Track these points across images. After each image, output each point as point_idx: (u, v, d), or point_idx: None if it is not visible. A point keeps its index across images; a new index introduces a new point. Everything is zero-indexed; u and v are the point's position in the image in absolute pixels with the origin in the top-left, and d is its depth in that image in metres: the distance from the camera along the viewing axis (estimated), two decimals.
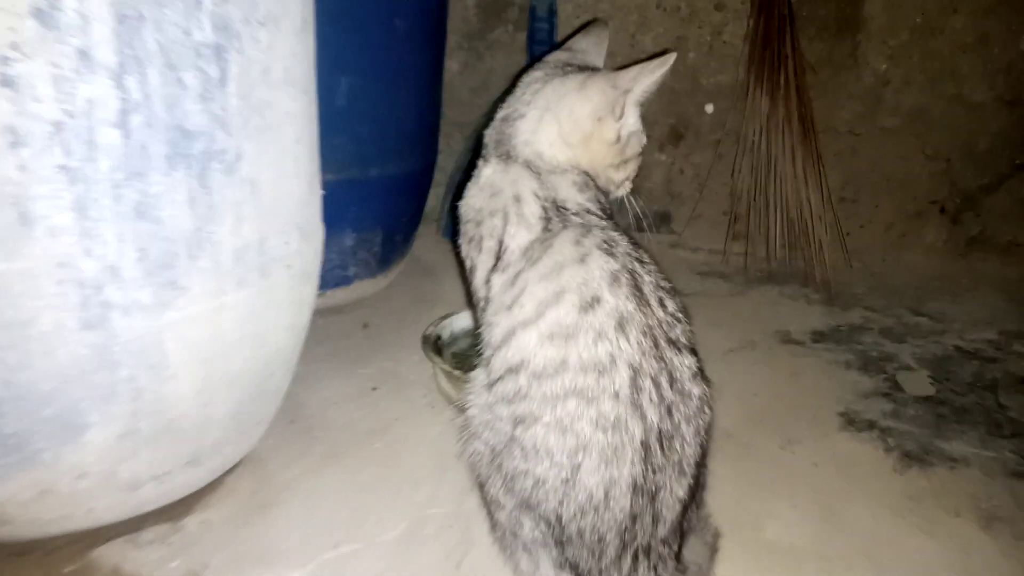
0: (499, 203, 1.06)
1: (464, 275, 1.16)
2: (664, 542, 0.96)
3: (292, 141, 1.05)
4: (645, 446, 0.90)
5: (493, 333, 1.00)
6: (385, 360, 1.56)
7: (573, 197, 1.05)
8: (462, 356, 1.53)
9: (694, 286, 2.04)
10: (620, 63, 2.13)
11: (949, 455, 1.33)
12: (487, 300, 1.05)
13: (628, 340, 0.90)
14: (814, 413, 1.44)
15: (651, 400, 0.90)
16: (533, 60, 2.06)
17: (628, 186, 1.19)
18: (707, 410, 0.98)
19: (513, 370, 0.95)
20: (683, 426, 0.93)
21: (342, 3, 1.46)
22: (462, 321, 1.58)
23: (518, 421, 0.94)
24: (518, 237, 1.02)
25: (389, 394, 1.45)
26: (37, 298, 0.85)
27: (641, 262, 0.97)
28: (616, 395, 0.89)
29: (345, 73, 1.51)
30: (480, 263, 1.07)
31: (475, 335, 1.09)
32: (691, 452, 0.95)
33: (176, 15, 0.84)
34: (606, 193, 1.15)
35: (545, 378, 0.92)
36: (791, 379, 1.56)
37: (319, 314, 1.73)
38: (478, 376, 1.05)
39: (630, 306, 0.92)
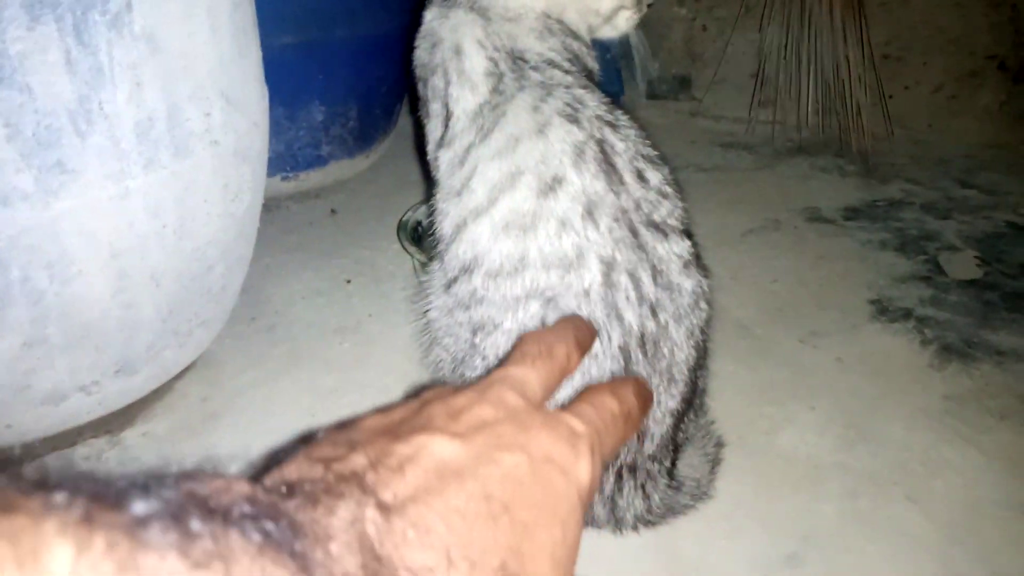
0: (439, 56, 0.87)
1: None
2: (653, 458, 0.82)
3: None
4: (624, 352, 0.74)
5: (443, 224, 0.83)
6: (362, 249, 1.41)
7: (532, 46, 0.85)
8: None
9: (715, 159, 1.83)
10: None
11: (996, 347, 1.16)
12: (437, 182, 0.88)
13: (597, 228, 0.73)
14: (842, 301, 1.27)
15: (628, 299, 0.73)
16: None
17: (630, 17, 0.96)
18: (703, 305, 0.81)
19: (467, 269, 0.79)
20: (672, 327, 0.77)
21: None
22: None
23: (476, 328, 0.79)
24: (462, 101, 0.83)
25: (363, 287, 1.30)
26: None
27: (614, 126, 0.78)
28: (586, 294, 0.73)
29: None
30: (430, 132, 0.89)
31: (429, 222, 0.92)
32: (683, 357, 0.79)
33: None
34: (587, 37, 0.94)
35: (503, 278, 0.75)
36: (817, 263, 1.38)
37: (291, 199, 1.57)
38: (435, 274, 0.89)
39: (599, 185, 0.74)
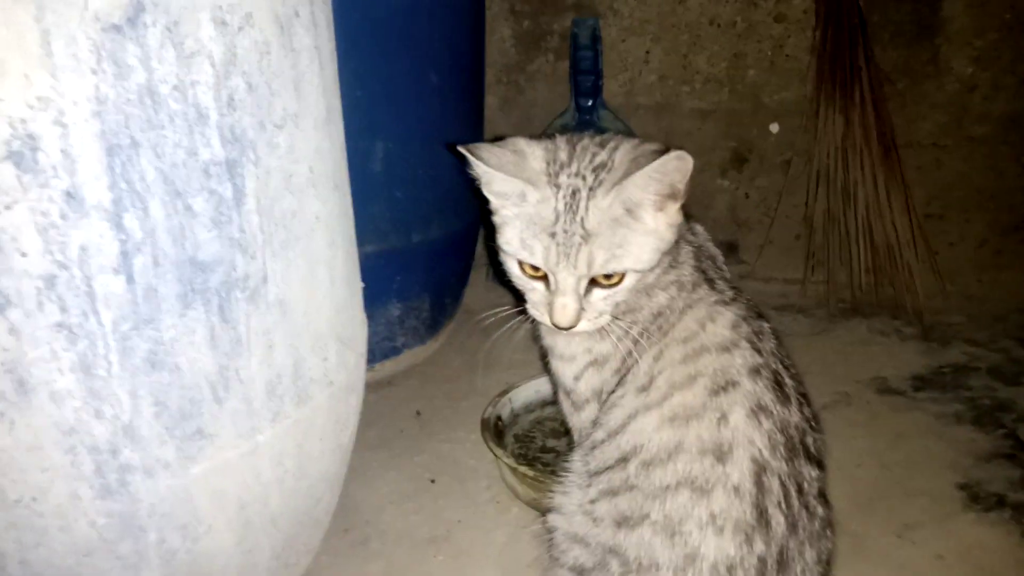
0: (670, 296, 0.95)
1: (544, 353, 1.04)
2: None
3: (325, 246, 0.93)
4: (761, 564, 0.76)
5: (612, 416, 0.87)
6: (442, 443, 1.44)
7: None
8: (525, 439, 1.39)
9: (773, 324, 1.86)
10: (672, 86, 1.98)
11: None
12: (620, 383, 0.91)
13: (760, 430, 0.77)
14: (930, 487, 1.26)
15: (779, 505, 0.76)
16: (578, 91, 1.92)
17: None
18: (830, 534, 0.84)
19: (624, 459, 0.82)
20: (807, 549, 0.80)
21: (372, 64, 1.33)
22: (523, 394, 1.44)
23: (621, 522, 0.81)
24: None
25: (449, 488, 1.32)
26: (45, 470, 0.74)
27: (784, 364, 0.86)
28: (736, 490, 0.76)
29: (379, 137, 1.38)
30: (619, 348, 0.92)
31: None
32: None
33: (177, 134, 0.72)
34: None
35: (656, 466, 0.79)
36: (897, 442, 1.39)
37: (368, 389, 1.61)
38: (574, 467, 0.93)
39: (768, 397, 0.80)
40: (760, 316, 0.90)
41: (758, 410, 0.79)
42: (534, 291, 0.89)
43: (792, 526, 0.78)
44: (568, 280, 0.83)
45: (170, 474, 0.80)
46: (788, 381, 0.84)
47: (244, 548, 0.91)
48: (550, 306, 0.85)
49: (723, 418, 0.78)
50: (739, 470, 0.77)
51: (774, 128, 1.95)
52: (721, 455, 0.77)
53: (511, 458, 1.23)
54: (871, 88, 1.75)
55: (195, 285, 0.77)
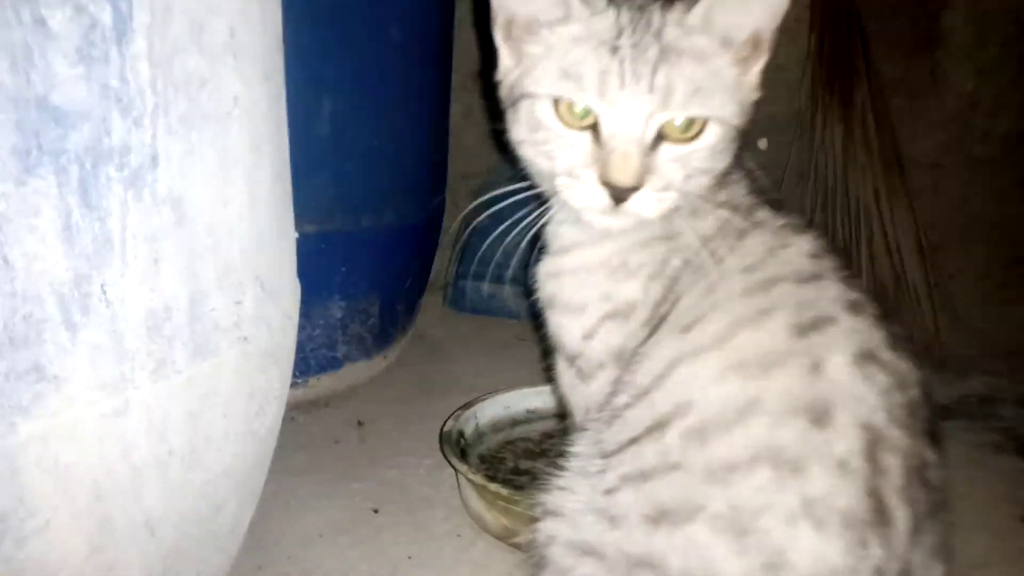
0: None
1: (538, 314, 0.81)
2: None
3: (245, 147, 0.69)
4: None
5: (642, 370, 0.62)
6: (387, 469, 1.16)
7: None
8: (493, 460, 1.13)
9: None
10: None
11: None
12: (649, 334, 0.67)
13: (870, 383, 0.55)
14: (989, 521, 1.04)
15: (901, 496, 0.53)
16: None
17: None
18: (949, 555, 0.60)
19: (660, 424, 0.57)
20: (934, 564, 0.56)
21: (324, 6, 1.13)
22: (490, 410, 1.19)
23: (657, 518, 0.55)
24: None
25: (396, 519, 1.04)
26: None
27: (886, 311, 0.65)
28: (842, 467, 0.52)
29: (328, 93, 1.16)
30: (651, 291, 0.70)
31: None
32: None
33: None
34: None
35: (715, 433, 0.54)
36: None
37: (299, 409, 1.33)
38: (578, 451, 0.67)
39: (877, 338, 0.58)
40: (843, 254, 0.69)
41: (866, 357, 0.56)
42: (573, 148, 0.65)
43: (917, 528, 0.54)
44: (635, 112, 0.62)
45: None
46: (895, 328, 0.62)
47: (100, 563, 0.63)
48: (603, 162, 0.62)
49: (816, 366, 0.56)
50: (845, 439, 0.54)
51: (762, 144, 1.79)
52: (817, 417, 0.54)
53: (478, 474, 0.97)
54: (871, 98, 1.62)
55: (44, 141, 0.52)
